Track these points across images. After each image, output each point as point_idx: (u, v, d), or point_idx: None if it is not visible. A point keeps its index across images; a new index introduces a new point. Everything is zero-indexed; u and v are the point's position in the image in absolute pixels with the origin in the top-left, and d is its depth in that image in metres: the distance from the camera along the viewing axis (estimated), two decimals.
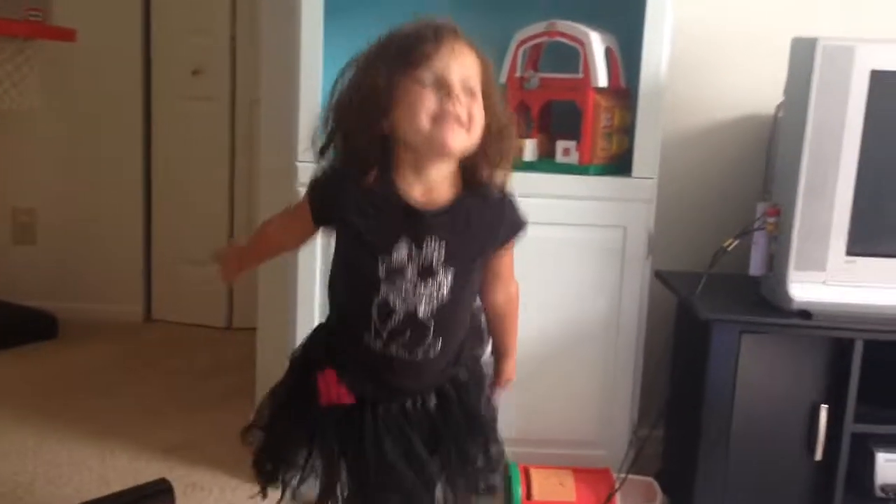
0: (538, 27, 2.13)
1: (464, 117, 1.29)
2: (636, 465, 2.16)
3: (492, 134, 1.34)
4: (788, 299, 1.99)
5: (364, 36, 2.30)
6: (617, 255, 2.15)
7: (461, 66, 1.30)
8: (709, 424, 2.02)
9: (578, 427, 2.21)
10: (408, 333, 1.35)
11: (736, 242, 2.08)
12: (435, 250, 1.33)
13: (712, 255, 2.10)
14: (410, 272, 1.32)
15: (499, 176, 1.38)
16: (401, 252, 1.32)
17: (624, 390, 2.20)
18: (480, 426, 1.47)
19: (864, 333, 1.96)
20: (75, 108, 3.60)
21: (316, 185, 1.38)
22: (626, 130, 2.17)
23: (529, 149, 2.13)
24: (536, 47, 2.16)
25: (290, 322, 2.23)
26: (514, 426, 2.22)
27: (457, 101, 1.28)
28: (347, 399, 1.40)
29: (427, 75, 1.28)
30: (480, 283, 1.45)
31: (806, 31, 1.99)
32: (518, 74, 2.15)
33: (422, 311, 1.34)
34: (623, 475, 2.12)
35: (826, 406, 2.00)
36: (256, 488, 2.26)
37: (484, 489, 1.49)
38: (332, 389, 1.39)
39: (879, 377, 2.02)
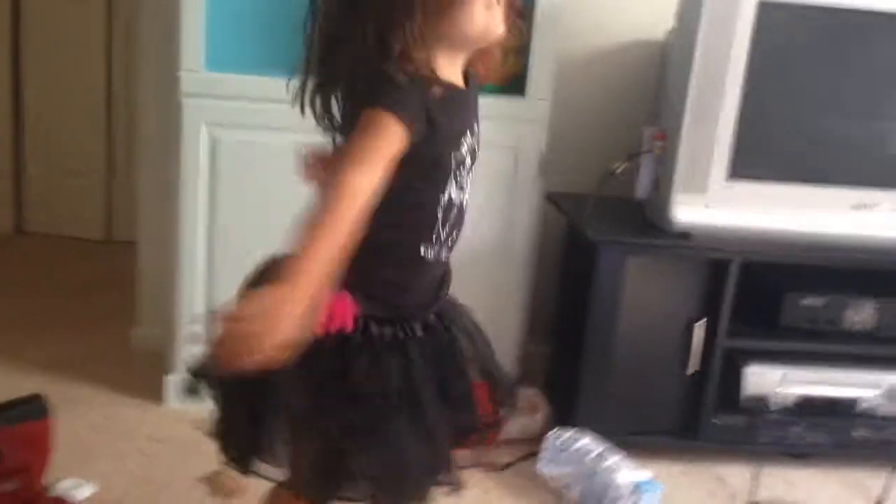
0: None
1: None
2: (524, 380, 2.23)
3: None
4: (671, 221, 2.06)
5: None
6: (508, 176, 2.17)
7: None
8: (592, 341, 2.10)
9: None
10: (456, 230, 1.29)
11: (624, 165, 2.13)
12: (478, 132, 1.29)
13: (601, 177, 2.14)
14: (469, 160, 1.27)
15: None
16: (467, 140, 1.26)
17: (513, 308, 2.25)
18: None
19: (739, 255, 2.05)
20: None
21: (396, 100, 1.15)
22: (521, 51, 2.16)
23: None
24: None
25: (174, 236, 2.16)
26: None
27: None
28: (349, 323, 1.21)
29: None
30: None
31: None
32: None
33: (465, 200, 1.29)
34: None
35: (701, 322, 2.10)
36: (141, 403, 2.26)
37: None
38: (344, 312, 1.20)
39: (753, 295, 2.13)
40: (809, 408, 2.18)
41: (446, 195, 1.25)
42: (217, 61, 2.08)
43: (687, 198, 2.05)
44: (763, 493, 2.07)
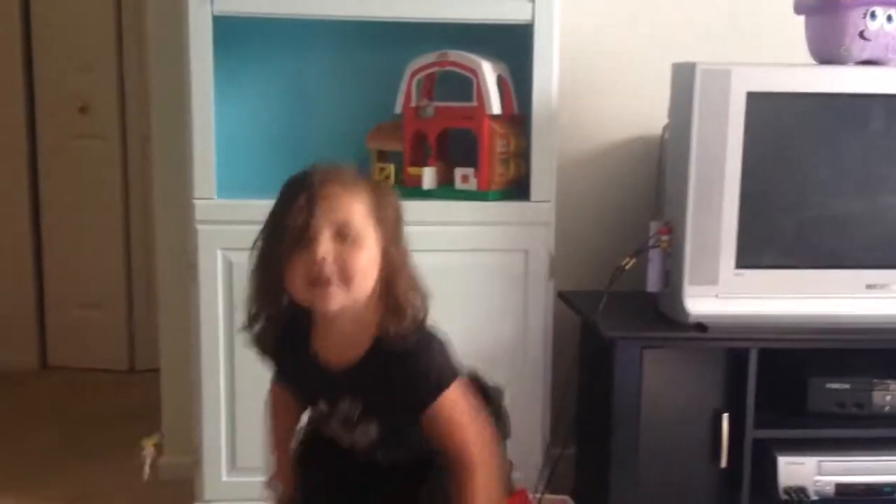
0: (430, 57, 2.15)
1: (334, 275, 1.25)
2: (551, 485, 2.19)
3: (386, 280, 1.30)
4: (685, 313, 2.05)
5: (254, 68, 2.30)
6: (520, 278, 2.18)
7: (332, 215, 1.24)
8: (617, 439, 2.06)
9: None
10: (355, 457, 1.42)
11: (633, 261, 2.14)
12: (349, 407, 1.36)
13: (611, 273, 2.15)
14: (334, 422, 1.40)
15: (413, 321, 1.30)
16: (321, 406, 1.41)
17: (534, 411, 2.22)
18: None
19: (757, 342, 2.03)
20: None
21: (259, 349, 1.44)
22: (523, 155, 2.21)
23: (429, 177, 2.16)
24: (430, 77, 2.18)
25: (195, 361, 2.18)
26: None
27: (323, 262, 1.24)
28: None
29: (294, 241, 1.25)
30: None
31: (685, 57, 2.07)
32: (413, 104, 2.17)
33: (360, 448, 1.40)
34: (539, 495, 2.14)
35: (727, 414, 2.07)
36: None
37: None
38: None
39: (776, 383, 2.10)
40: (849, 495, 2.11)
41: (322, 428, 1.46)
42: (228, 187, 2.14)
43: (698, 290, 2.05)
44: None
